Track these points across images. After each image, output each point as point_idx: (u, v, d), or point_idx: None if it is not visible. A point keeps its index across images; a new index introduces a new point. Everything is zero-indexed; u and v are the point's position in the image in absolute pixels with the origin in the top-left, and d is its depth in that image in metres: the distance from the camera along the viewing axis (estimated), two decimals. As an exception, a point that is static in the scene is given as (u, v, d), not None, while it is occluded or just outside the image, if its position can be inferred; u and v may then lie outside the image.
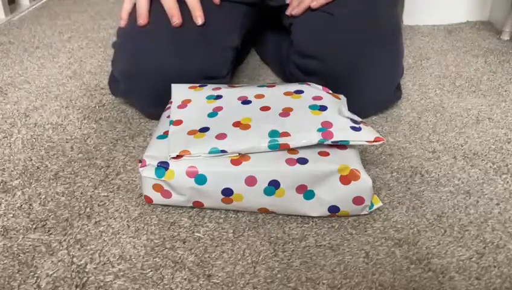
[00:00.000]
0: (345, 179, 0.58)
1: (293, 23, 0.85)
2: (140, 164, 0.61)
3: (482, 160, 0.74)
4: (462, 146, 0.77)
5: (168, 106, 0.73)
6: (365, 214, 0.62)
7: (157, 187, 0.61)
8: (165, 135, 0.64)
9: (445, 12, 1.30)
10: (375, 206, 0.62)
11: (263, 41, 1.04)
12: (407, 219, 0.62)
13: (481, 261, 0.56)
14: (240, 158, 0.59)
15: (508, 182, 0.69)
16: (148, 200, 0.63)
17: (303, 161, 0.58)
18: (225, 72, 0.83)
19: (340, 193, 0.59)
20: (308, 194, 0.59)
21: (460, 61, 1.08)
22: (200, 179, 0.59)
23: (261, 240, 0.59)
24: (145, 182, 0.61)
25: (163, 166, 0.59)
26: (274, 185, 0.59)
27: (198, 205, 0.62)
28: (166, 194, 0.61)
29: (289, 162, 0.58)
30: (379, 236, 0.59)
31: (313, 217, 0.62)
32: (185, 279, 0.53)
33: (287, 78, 0.94)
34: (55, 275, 0.54)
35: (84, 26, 1.33)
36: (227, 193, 0.60)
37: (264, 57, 1.06)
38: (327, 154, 0.60)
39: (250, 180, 0.58)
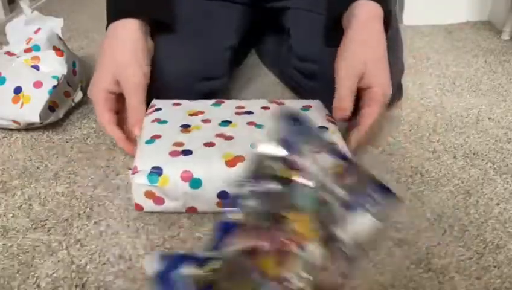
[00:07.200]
0: None
1: (291, 26, 0.84)
2: (130, 171, 0.59)
3: (482, 160, 0.74)
4: (462, 146, 0.77)
5: (149, 110, 0.70)
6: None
7: (149, 194, 0.59)
8: (152, 139, 0.63)
9: (445, 13, 1.30)
10: None
11: (263, 43, 1.04)
12: (407, 219, 0.62)
13: (481, 261, 0.55)
14: (234, 159, 0.58)
15: (508, 182, 0.69)
16: (139, 208, 0.61)
17: None
18: (223, 72, 0.82)
19: None
20: None
21: (460, 61, 1.08)
22: (195, 183, 0.58)
23: (261, 240, 0.59)
24: (137, 189, 0.59)
25: (156, 171, 0.58)
26: None
27: (191, 211, 0.61)
28: (159, 201, 0.59)
29: None
30: (379, 236, 0.59)
31: (313, 217, 0.62)
32: (185, 279, 0.53)
33: (287, 81, 0.94)
34: (55, 275, 0.54)
35: (84, 26, 1.33)
36: (223, 195, 0.59)
37: (263, 59, 1.06)
38: None
39: None
